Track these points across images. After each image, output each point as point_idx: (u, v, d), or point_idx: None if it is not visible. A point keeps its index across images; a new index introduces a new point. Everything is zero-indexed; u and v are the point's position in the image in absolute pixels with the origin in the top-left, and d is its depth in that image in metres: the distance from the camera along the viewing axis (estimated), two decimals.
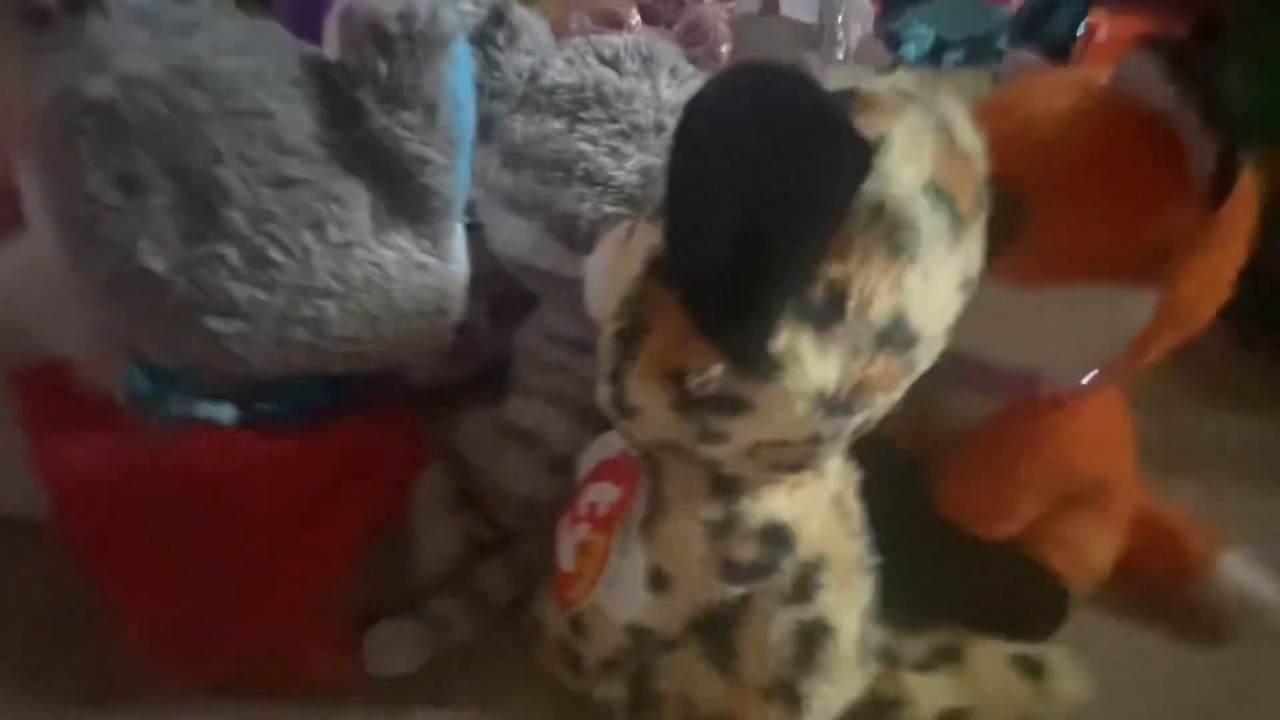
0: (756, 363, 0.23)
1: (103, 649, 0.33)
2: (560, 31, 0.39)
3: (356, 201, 0.30)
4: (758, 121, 0.21)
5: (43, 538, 0.33)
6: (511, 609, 0.37)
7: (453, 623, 0.36)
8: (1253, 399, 0.50)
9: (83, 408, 0.33)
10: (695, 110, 0.22)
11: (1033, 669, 0.34)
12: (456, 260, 0.34)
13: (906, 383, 0.25)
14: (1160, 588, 0.39)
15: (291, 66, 0.29)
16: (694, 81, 0.37)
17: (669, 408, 0.25)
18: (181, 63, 0.27)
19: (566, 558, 0.31)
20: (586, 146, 0.35)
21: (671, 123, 0.34)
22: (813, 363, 0.23)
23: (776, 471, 0.28)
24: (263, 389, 0.32)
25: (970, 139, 0.26)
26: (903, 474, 0.36)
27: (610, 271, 0.27)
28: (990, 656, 0.35)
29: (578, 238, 0.35)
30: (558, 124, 0.35)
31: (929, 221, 0.23)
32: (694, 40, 0.40)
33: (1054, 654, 0.34)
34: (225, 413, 0.32)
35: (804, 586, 0.29)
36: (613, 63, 0.36)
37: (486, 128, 0.36)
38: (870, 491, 0.32)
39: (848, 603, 0.30)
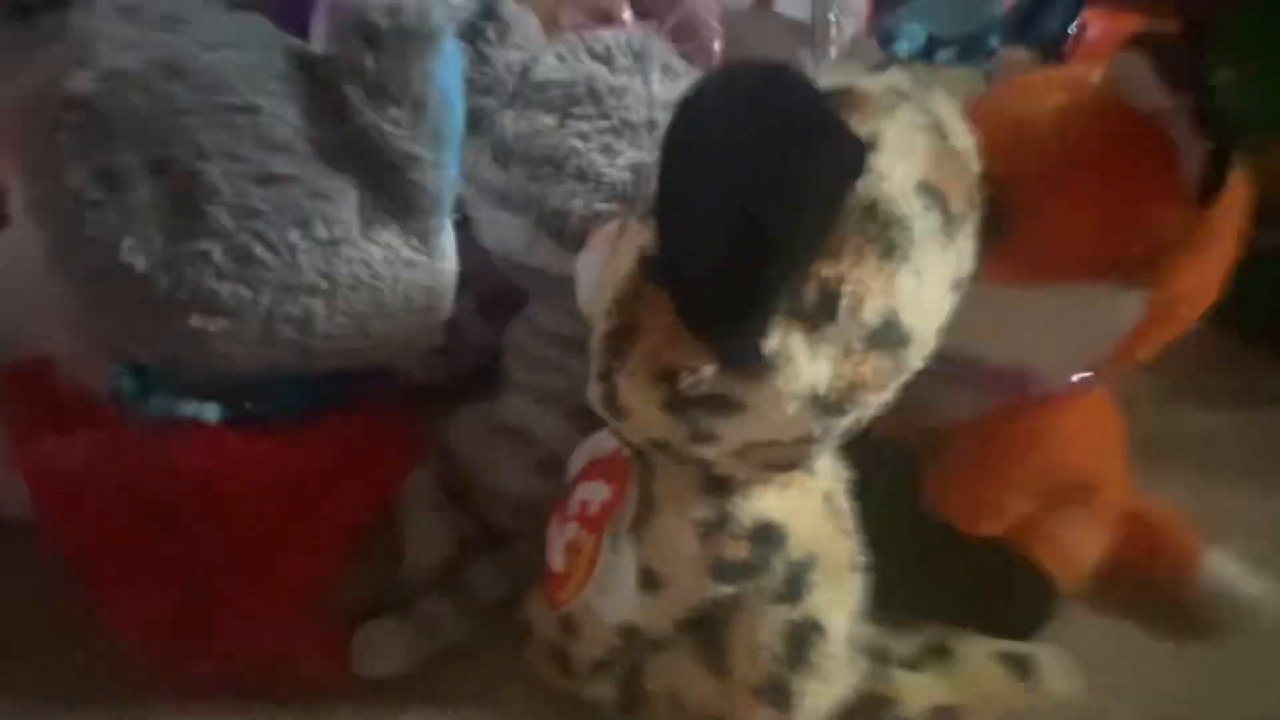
0: (748, 363, 0.23)
1: (92, 649, 0.33)
2: (551, 27, 0.39)
3: (344, 198, 0.29)
4: (749, 120, 0.21)
5: (32, 537, 0.32)
6: (502, 608, 0.37)
7: (442, 623, 0.36)
8: (1242, 397, 0.51)
9: (67, 406, 0.33)
10: (687, 109, 0.22)
11: (1021, 666, 0.34)
12: (446, 257, 0.33)
13: (898, 382, 0.25)
14: (1148, 584, 0.39)
15: (277, 61, 0.29)
16: (686, 78, 0.37)
17: (660, 407, 0.25)
18: (165, 57, 0.27)
19: (557, 557, 0.31)
20: (578, 143, 0.34)
21: (663, 119, 0.34)
22: (804, 363, 0.23)
23: (768, 471, 0.28)
24: (249, 387, 0.32)
25: (963, 138, 0.25)
26: (892, 470, 0.36)
27: (601, 270, 0.27)
28: (979, 654, 0.35)
29: (569, 234, 0.34)
30: (549, 120, 0.35)
31: (921, 221, 0.23)
32: (686, 36, 0.39)
33: (1042, 651, 0.35)
34: (211, 411, 0.32)
35: (794, 585, 0.29)
36: (604, 58, 0.36)
37: (477, 123, 0.35)
38: (860, 489, 0.32)
39: (838, 601, 0.30)
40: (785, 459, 0.27)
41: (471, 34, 0.36)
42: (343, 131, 0.29)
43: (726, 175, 0.21)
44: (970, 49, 0.53)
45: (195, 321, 0.29)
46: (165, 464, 0.31)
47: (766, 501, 0.28)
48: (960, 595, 0.37)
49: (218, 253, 0.28)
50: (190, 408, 0.31)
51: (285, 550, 0.32)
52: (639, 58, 0.36)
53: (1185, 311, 0.32)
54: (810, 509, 0.30)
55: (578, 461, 0.32)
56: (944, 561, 0.37)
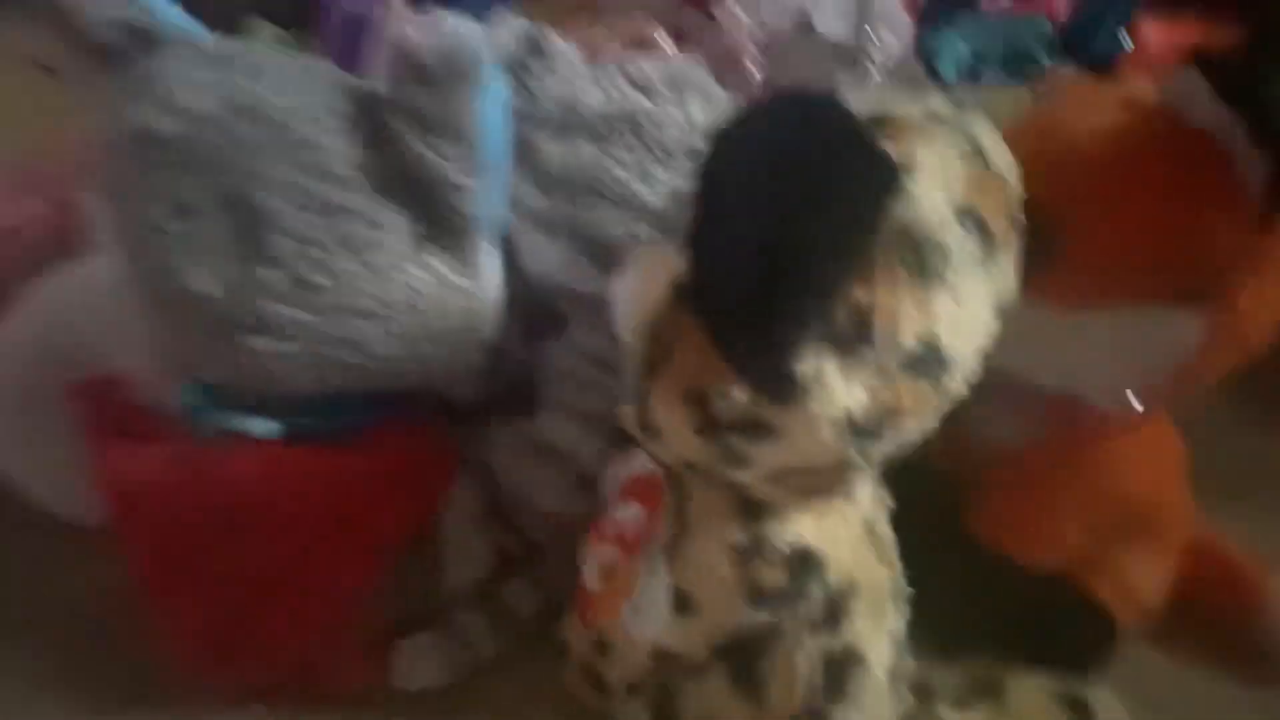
0: (781, 388, 0.23)
1: (139, 653, 0.34)
2: (593, 56, 0.40)
3: (396, 227, 0.31)
4: (784, 146, 0.21)
5: (84, 541, 0.34)
6: (538, 625, 0.37)
7: (479, 638, 0.36)
8: None
9: (138, 420, 0.35)
10: (722, 137, 0.22)
11: (1077, 706, 0.33)
12: (490, 281, 0.34)
13: (938, 408, 0.25)
14: (1213, 623, 0.37)
15: (336, 99, 0.31)
16: (725, 105, 0.38)
17: (693, 431, 0.25)
18: (239, 99, 0.29)
19: (592, 578, 0.31)
20: (618, 170, 0.35)
21: (703, 146, 0.35)
22: (838, 388, 0.23)
23: (804, 496, 0.27)
24: (303, 405, 0.33)
25: (1003, 161, 0.25)
26: (939, 498, 0.35)
27: (635, 294, 0.27)
28: (1032, 692, 0.33)
29: (608, 259, 0.35)
30: (590, 148, 0.36)
31: (959, 245, 0.23)
32: (726, 63, 0.40)
33: (1099, 691, 0.33)
34: (268, 427, 0.33)
35: (832, 613, 0.29)
36: (644, 87, 0.37)
37: (521, 152, 0.36)
38: (905, 516, 0.31)
39: (879, 631, 0.29)
40: (822, 485, 0.26)
41: (517, 67, 0.37)
42: (395, 164, 0.30)
43: (760, 201, 0.21)
44: (1017, 67, 0.52)
45: (255, 343, 0.30)
46: (225, 476, 0.32)
47: (804, 527, 0.28)
48: (1012, 629, 0.35)
49: (278, 279, 0.29)
50: (250, 424, 0.33)
51: (329, 563, 0.33)
52: (678, 86, 0.37)
53: (1250, 335, 0.31)
54: (850, 535, 0.29)
55: (613, 481, 0.33)
56: (996, 593, 0.35)
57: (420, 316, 0.32)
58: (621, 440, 0.31)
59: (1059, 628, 0.35)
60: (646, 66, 0.38)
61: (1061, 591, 0.35)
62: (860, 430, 0.24)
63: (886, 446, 0.25)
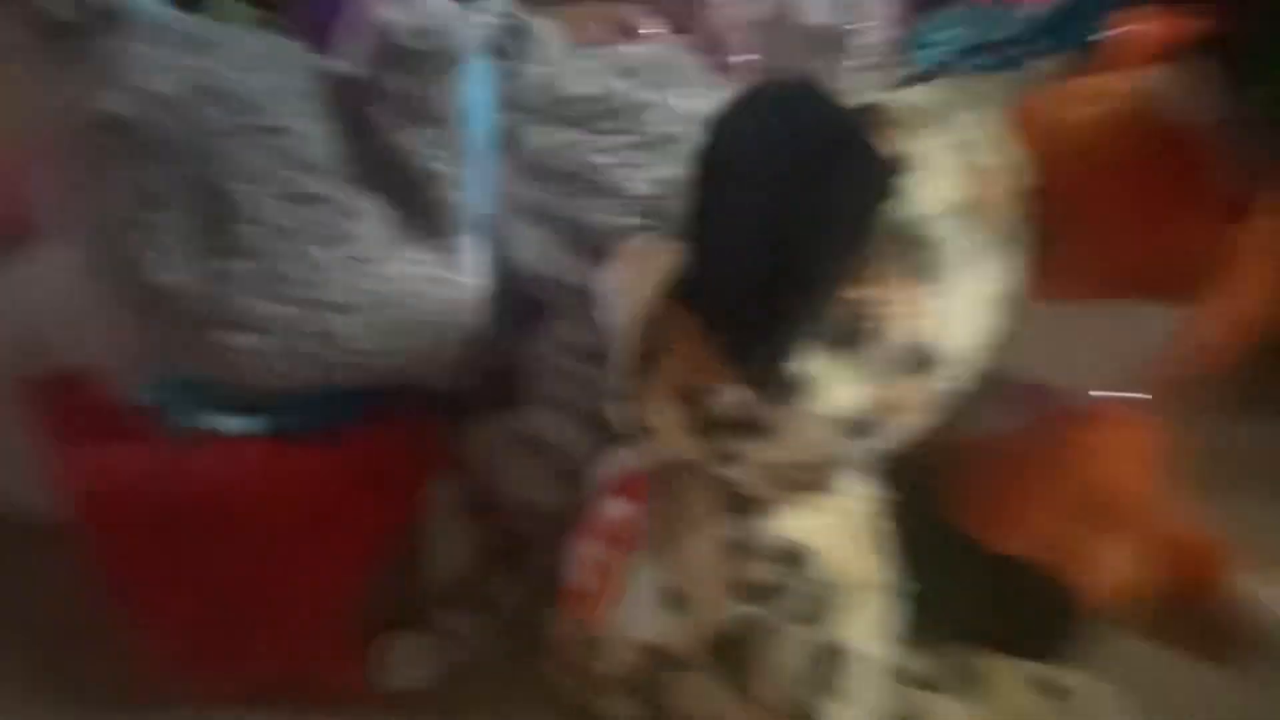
0: (775, 385, 0.23)
1: (114, 655, 0.34)
2: (576, 43, 0.39)
3: (371, 216, 0.30)
4: (779, 143, 0.21)
5: (56, 541, 0.33)
6: (524, 622, 0.37)
7: (463, 635, 0.36)
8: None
9: (105, 418, 0.34)
10: (716, 131, 0.22)
11: (1054, 690, 0.33)
12: (470, 273, 0.34)
13: (934, 404, 0.25)
14: (1189, 609, 0.38)
15: (306, 81, 0.29)
16: (711, 91, 0.37)
17: (685, 427, 0.24)
18: (200, 80, 0.28)
19: (581, 575, 0.31)
20: (602, 158, 0.35)
21: (687, 134, 0.34)
22: (833, 385, 0.23)
23: (794, 491, 0.27)
24: (278, 400, 0.33)
25: (1000, 154, 0.25)
26: (918, 488, 0.35)
27: (627, 289, 0.27)
28: (1010, 677, 0.34)
29: (592, 249, 0.34)
30: (574, 135, 0.35)
31: (955, 241, 0.23)
32: (710, 49, 0.39)
33: (1077, 676, 0.34)
34: (241, 424, 0.32)
35: (821, 607, 0.29)
36: (629, 73, 0.36)
37: (503, 139, 0.35)
38: (892, 509, 0.31)
39: (867, 624, 0.30)
40: (813, 480, 0.26)
41: (498, 52, 0.36)
42: (370, 150, 0.29)
43: (756, 198, 0.21)
44: (1003, 57, 0.52)
45: (225, 337, 0.29)
46: (197, 474, 0.31)
47: (793, 522, 0.28)
48: (993, 617, 0.36)
49: (251, 271, 0.28)
50: (222, 420, 0.32)
51: (309, 560, 0.33)
52: (663, 72, 0.36)
53: (1230, 329, 0.31)
54: (838, 530, 0.29)
55: (602, 477, 0.32)
56: (976, 582, 0.36)
57: (399, 309, 0.31)
58: (608, 434, 0.30)
59: (1035, 613, 0.36)
60: (632, 52, 0.37)
61: (1037, 578, 0.36)
62: (854, 427, 0.24)
63: (880, 444, 0.25)
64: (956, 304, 0.23)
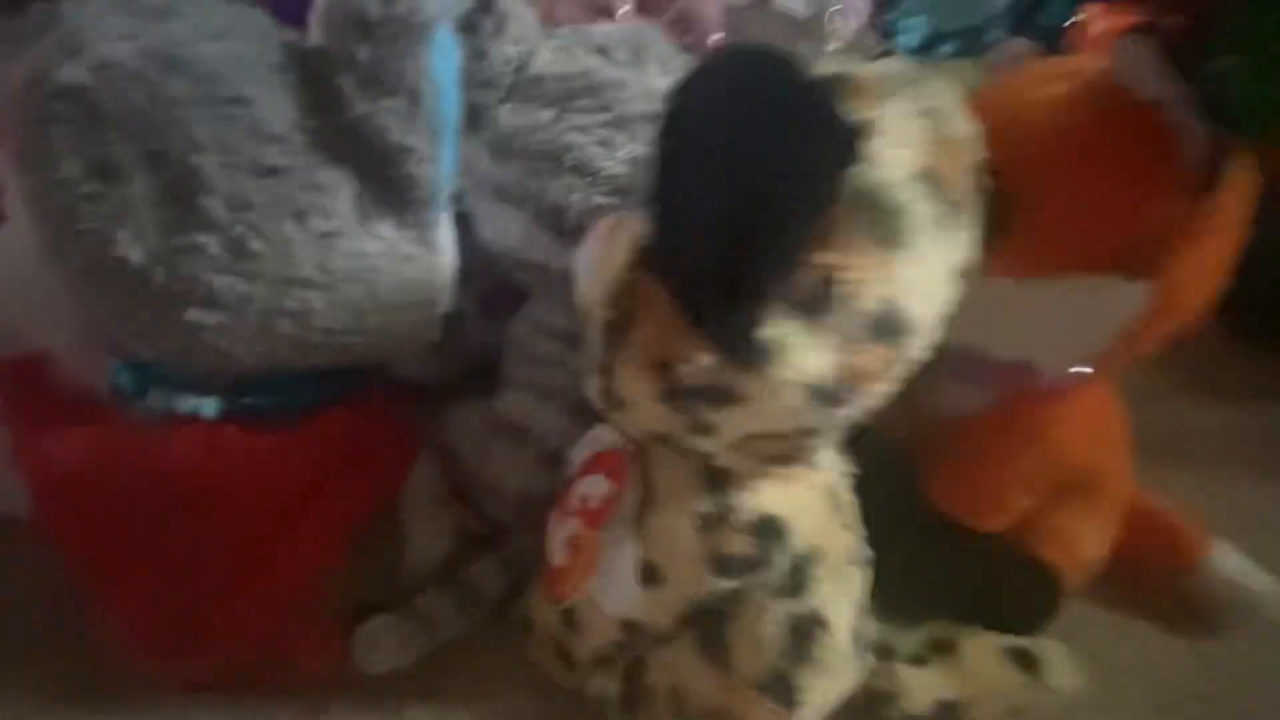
0: (744, 352, 0.23)
1: (88, 646, 0.33)
2: (549, 21, 0.39)
3: (339, 191, 0.29)
4: (743, 108, 0.21)
5: (27, 534, 0.32)
6: (502, 605, 0.37)
7: (443, 619, 0.35)
8: (1245, 390, 0.50)
9: (65, 402, 0.33)
10: (680, 97, 0.22)
11: (1026, 661, 0.34)
12: (443, 251, 0.33)
13: (900, 373, 0.25)
14: (1153, 579, 0.39)
15: (272, 52, 0.29)
16: (685, 70, 0.37)
17: (657, 398, 0.24)
18: (159, 48, 0.27)
19: (557, 552, 0.31)
20: (576, 137, 0.34)
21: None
22: (802, 352, 0.23)
23: (768, 464, 0.28)
24: (248, 382, 0.32)
25: (962, 125, 0.25)
26: (892, 465, 0.36)
27: (598, 262, 0.26)
28: (983, 649, 0.34)
29: (567, 229, 0.34)
30: (547, 114, 0.35)
31: (918, 208, 0.23)
32: (684, 29, 0.39)
33: (1047, 646, 0.34)
34: (209, 407, 0.31)
35: (797, 579, 0.29)
36: (602, 52, 0.36)
37: (474, 118, 0.35)
38: (861, 483, 0.32)
39: (841, 595, 0.30)
40: (786, 451, 0.27)
41: (468, 28, 0.35)
42: (338, 123, 0.29)
43: (720, 164, 0.21)
44: (971, 42, 0.53)
45: (192, 315, 0.28)
46: (163, 459, 0.31)
47: (768, 495, 0.28)
48: (964, 590, 0.36)
49: (213, 245, 0.28)
50: (189, 403, 0.31)
51: (284, 546, 0.32)
52: (637, 51, 0.36)
53: (1187, 303, 0.32)
54: (812, 502, 0.29)
55: (579, 456, 0.32)
56: (947, 557, 0.36)
57: (368, 286, 0.31)
58: (585, 416, 0.30)
59: (1009, 588, 0.37)
60: (605, 30, 0.37)
61: (1010, 553, 0.36)
62: (824, 394, 0.24)
63: (850, 411, 0.25)
64: (924, 271, 0.24)
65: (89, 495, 0.31)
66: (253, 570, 0.32)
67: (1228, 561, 0.38)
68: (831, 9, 0.50)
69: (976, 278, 0.26)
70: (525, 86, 0.36)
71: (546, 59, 0.36)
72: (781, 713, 0.29)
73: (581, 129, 0.34)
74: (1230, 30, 0.28)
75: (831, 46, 0.51)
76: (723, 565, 0.28)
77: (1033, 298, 0.32)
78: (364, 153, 0.29)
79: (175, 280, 0.28)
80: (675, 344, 0.23)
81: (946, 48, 0.53)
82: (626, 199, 0.34)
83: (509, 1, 0.36)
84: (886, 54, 0.51)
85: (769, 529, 0.28)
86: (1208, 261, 0.31)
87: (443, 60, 0.29)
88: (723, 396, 0.24)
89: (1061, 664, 0.34)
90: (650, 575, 0.29)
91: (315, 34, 0.29)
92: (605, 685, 0.32)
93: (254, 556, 0.32)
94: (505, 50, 0.36)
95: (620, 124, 0.35)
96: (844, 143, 0.22)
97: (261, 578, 0.32)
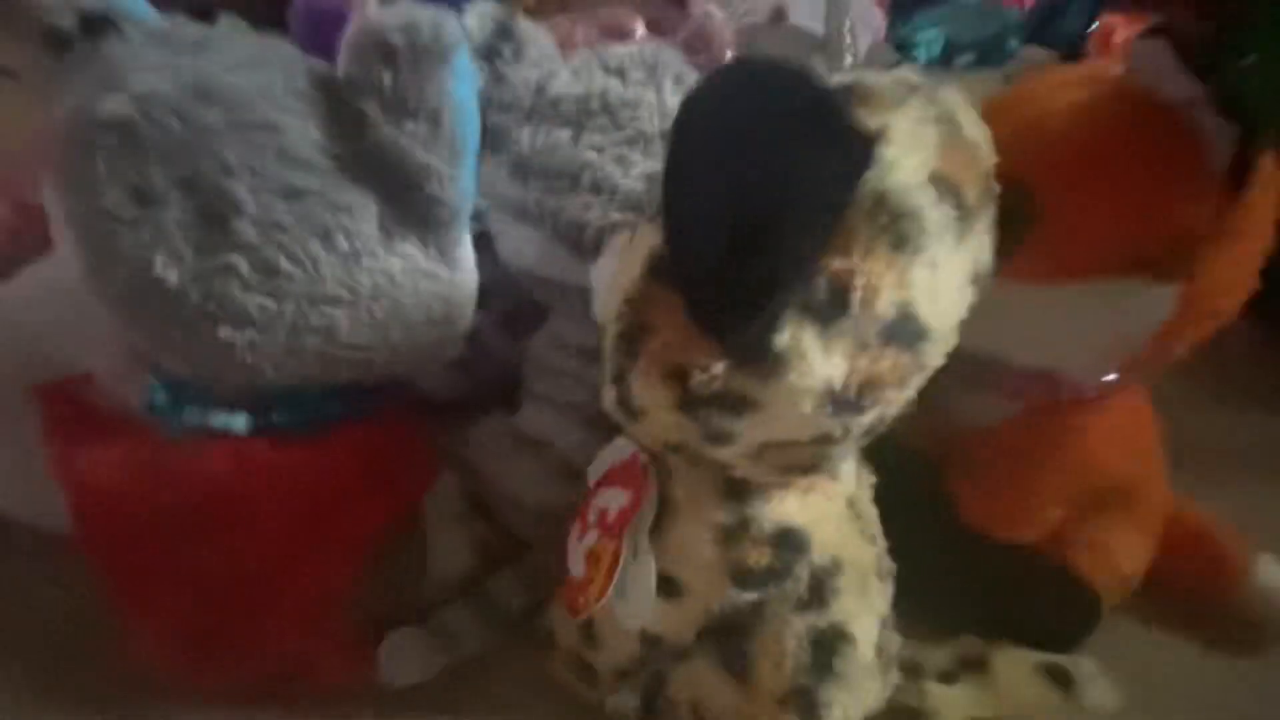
0: (760, 360, 0.23)
1: (116, 658, 0.33)
2: (566, 44, 0.40)
3: (364, 211, 0.30)
4: (755, 115, 0.21)
5: (58, 547, 0.33)
6: (523, 619, 0.37)
7: (464, 632, 0.36)
8: (1278, 394, 0.49)
9: (102, 420, 0.34)
10: (692, 106, 0.22)
11: (1061, 678, 0.33)
12: (464, 269, 0.34)
13: (918, 379, 0.25)
14: (1192, 593, 0.37)
15: (299, 80, 0.30)
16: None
17: (674, 408, 0.25)
18: (194, 79, 0.28)
19: (577, 565, 0.31)
20: (593, 155, 0.35)
21: None
22: (818, 359, 0.23)
23: (787, 474, 0.27)
24: (276, 399, 0.33)
25: (975, 130, 0.25)
26: (921, 478, 0.35)
27: (613, 274, 0.27)
28: (1016, 666, 0.34)
29: (585, 246, 0.35)
30: (564, 134, 0.36)
31: (933, 213, 0.23)
32: (698, 49, 0.40)
33: (1082, 663, 0.33)
34: (239, 423, 0.32)
35: (819, 592, 0.28)
36: (618, 72, 0.36)
37: (494, 140, 0.36)
38: (888, 496, 0.31)
39: (865, 609, 0.29)
40: (804, 460, 0.26)
41: (488, 53, 0.37)
42: (362, 147, 0.30)
43: (733, 170, 0.21)
44: (988, 53, 0.53)
45: (224, 333, 0.29)
46: (197, 474, 0.31)
47: (788, 506, 0.28)
48: (996, 605, 0.35)
49: (244, 266, 0.29)
50: (220, 419, 0.32)
51: (309, 559, 0.33)
52: (652, 70, 0.37)
53: (1218, 306, 0.31)
54: (834, 514, 0.29)
55: (597, 469, 0.32)
56: (979, 570, 0.35)
57: (392, 304, 0.32)
58: (604, 429, 0.30)
59: (1042, 603, 0.36)
60: (620, 51, 0.37)
61: (1043, 567, 0.35)
62: (841, 401, 0.24)
63: (867, 419, 0.25)
64: (939, 275, 0.23)
65: (125, 510, 0.32)
66: (279, 583, 0.32)
67: (1269, 575, 0.37)
68: (847, 27, 0.51)
69: (1000, 284, 0.26)
70: (543, 108, 0.37)
71: (564, 80, 0.37)
72: None
73: (598, 148, 0.35)
74: (1248, 29, 0.28)
75: (848, 62, 0.51)
76: (743, 577, 0.28)
77: (1059, 304, 0.31)
78: (388, 175, 0.30)
79: (209, 300, 0.29)
80: (690, 352, 0.23)
81: (963, 59, 0.53)
82: (642, 215, 0.34)
83: (528, 27, 0.38)
84: (902, 67, 0.51)
85: (789, 540, 0.28)
86: (1238, 264, 0.31)
87: (463, 84, 0.30)
88: (739, 404, 0.24)
89: (1098, 682, 0.33)
90: (669, 588, 0.29)
91: (342, 62, 0.30)
92: (626, 700, 0.32)
93: (281, 570, 0.32)
94: (524, 74, 0.37)
95: (636, 142, 0.35)
96: (857, 149, 0.22)
97: (288, 591, 0.33)
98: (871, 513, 0.31)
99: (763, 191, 0.21)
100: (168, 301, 0.29)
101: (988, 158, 0.25)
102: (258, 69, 0.29)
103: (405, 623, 0.35)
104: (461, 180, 0.32)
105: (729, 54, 0.40)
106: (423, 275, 0.32)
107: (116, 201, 0.28)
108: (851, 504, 0.30)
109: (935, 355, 0.25)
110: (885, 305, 0.23)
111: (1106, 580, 0.36)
